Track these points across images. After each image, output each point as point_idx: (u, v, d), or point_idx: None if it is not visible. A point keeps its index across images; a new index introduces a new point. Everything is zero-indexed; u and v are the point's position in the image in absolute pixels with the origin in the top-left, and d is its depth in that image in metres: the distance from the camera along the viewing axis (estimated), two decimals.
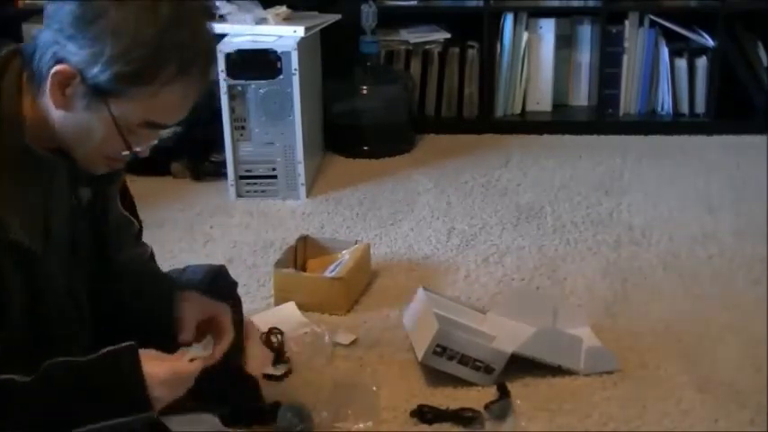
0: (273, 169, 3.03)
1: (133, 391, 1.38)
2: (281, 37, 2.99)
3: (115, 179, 1.60)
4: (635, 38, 3.57)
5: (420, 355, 2.01)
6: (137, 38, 1.28)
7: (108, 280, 1.61)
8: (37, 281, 1.41)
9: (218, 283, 2.07)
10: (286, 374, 2.05)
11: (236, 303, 2.18)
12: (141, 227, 1.77)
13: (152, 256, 1.80)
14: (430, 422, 1.88)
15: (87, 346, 1.51)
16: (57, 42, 1.30)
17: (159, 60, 1.29)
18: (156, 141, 1.43)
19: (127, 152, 1.39)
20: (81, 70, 1.30)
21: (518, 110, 3.67)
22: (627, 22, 3.55)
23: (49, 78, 1.31)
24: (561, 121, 3.65)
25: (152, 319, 1.60)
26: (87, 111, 1.33)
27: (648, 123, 3.62)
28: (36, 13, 3.27)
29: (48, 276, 1.43)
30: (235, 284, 2.20)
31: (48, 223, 1.44)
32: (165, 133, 1.44)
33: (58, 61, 1.30)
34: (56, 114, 1.35)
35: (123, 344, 1.41)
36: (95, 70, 1.29)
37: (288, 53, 2.93)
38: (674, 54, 3.57)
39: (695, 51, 3.57)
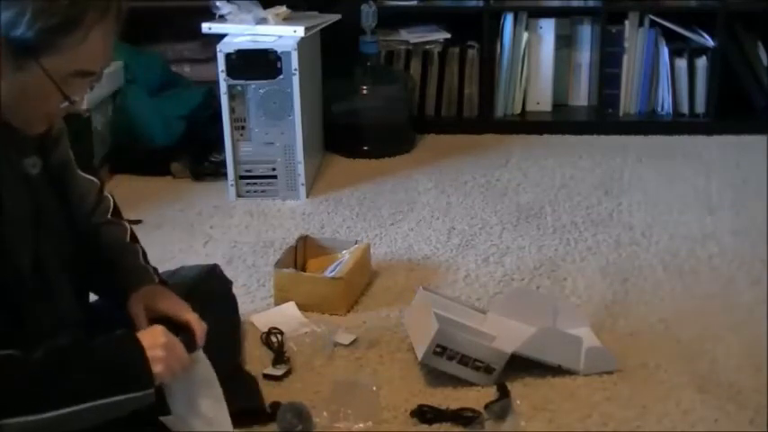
0: (273, 169, 3.03)
1: (136, 369, 1.42)
2: (281, 37, 2.99)
3: (59, 140, 1.61)
4: (635, 38, 3.57)
5: (420, 355, 2.01)
6: None
7: (83, 247, 1.63)
8: None
9: (212, 283, 2.06)
10: (286, 374, 2.05)
11: (231, 302, 2.18)
12: (102, 182, 1.80)
13: (115, 209, 1.79)
14: (430, 422, 1.88)
15: (61, 317, 1.53)
16: None
17: (80, 7, 1.35)
18: (89, 90, 1.47)
19: (65, 103, 1.42)
20: (6, 33, 1.33)
21: (518, 110, 3.67)
22: (627, 22, 3.55)
23: None
24: (561, 121, 3.65)
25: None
26: (19, 72, 1.36)
27: (648, 123, 3.62)
28: None
29: (4, 251, 1.43)
30: (229, 283, 2.20)
31: None
32: (95, 81, 1.48)
33: None
34: None
35: (119, 332, 1.47)
36: (20, 30, 1.33)
37: (288, 53, 2.93)
38: (674, 54, 3.57)
39: (695, 51, 3.57)
